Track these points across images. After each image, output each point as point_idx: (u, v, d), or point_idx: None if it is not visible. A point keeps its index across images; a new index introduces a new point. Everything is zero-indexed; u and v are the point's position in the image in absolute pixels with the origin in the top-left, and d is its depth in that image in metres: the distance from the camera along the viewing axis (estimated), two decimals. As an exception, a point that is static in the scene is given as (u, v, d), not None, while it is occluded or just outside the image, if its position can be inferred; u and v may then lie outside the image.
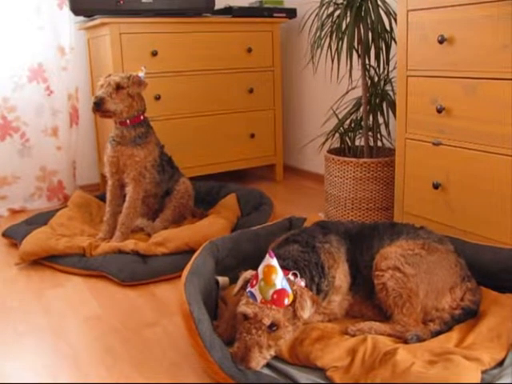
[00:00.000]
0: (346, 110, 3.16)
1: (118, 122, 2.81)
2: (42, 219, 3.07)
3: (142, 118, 2.86)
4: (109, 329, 2.04)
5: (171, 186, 3.04)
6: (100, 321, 2.11)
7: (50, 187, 3.73)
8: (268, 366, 1.66)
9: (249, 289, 1.69)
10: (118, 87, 2.72)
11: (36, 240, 2.67)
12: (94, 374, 1.74)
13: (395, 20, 2.76)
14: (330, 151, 3.15)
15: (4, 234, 2.99)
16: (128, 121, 2.80)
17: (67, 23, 3.61)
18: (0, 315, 2.17)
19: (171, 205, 3.01)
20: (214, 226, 2.76)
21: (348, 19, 2.83)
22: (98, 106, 2.68)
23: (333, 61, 2.94)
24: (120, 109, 2.74)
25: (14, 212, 3.57)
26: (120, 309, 2.20)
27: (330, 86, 3.73)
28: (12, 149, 3.58)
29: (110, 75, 2.79)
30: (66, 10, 3.54)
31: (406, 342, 1.73)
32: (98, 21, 3.36)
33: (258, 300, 1.65)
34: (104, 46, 3.49)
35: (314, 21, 2.97)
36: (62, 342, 1.95)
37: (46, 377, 1.74)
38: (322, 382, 1.59)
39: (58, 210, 3.13)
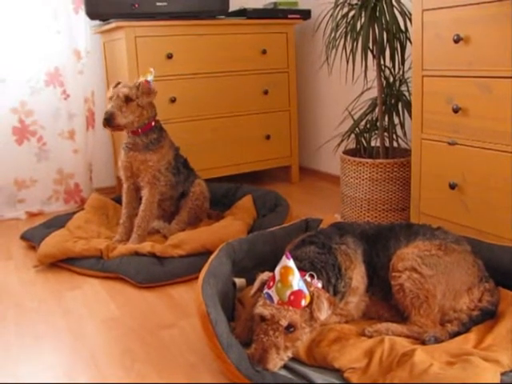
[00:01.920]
0: (362, 111, 3.15)
1: (130, 131, 2.83)
2: (59, 222, 3.09)
3: (153, 124, 2.86)
4: (126, 330, 2.05)
5: (186, 188, 3.04)
6: (118, 322, 2.12)
7: (67, 190, 3.76)
8: (285, 367, 1.66)
9: (266, 290, 1.69)
10: (128, 99, 2.72)
11: (54, 243, 2.69)
12: (112, 375, 1.75)
13: (410, 20, 2.75)
14: (346, 152, 3.14)
15: (22, 237, 3.02)
16: (139, 129, 2.82)
17: (83, 27, 3.64)
18: (19, 317, 2.20)
19: (187, 206, 3.02)
20: (231, 227, 2.76)
21: (363, 20, 2.83)
22: (109, 122, 2.68)
23: (348, 61, 2.94)
24: (131, 121, 2.75)
25: (31, 215, 3.61)
26: (137, 310, 2.21)
27: (345, 87, 3.73)
28: (29, 152, 3.62)
29: (118, 84, 2.78)
30: (82, 14, 3.57)
31: (423, 343, 1.72)
32: (113, 24, 3.38)
33: (275, 301, 1.65)
34: (119, 50, 3.51)
35: (328, 22, 2.97)
36: (80, 344, 1.96)
37: (65, 377, 1.75)
38: (339, 383, 1.59)
39: (75, 213, 3.15)
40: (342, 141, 3.15)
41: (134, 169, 2.84)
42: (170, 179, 2.93)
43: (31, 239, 2.95)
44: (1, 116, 3.50)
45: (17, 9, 3.42)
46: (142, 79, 2.79)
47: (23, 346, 1.97)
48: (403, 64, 2.96)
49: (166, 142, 2.92)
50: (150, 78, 2.80)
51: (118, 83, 2.80)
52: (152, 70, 2.84)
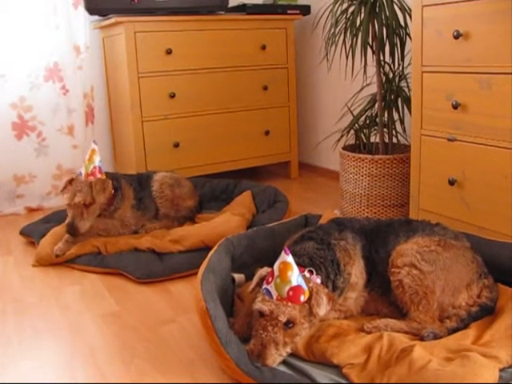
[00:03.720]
0: (361, 107, 3.15)
1: None
2: (58, 217, 3.08)
3: (113, 194, 2.82)
4: (125, 326, 2.05)
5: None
6: (117, 318, 2.12)
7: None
8: (284, 362, 1.66)
9: (265, 286, 1.69)
10: (86, 205, 2.67)
11: (52, 244, 2.68)
12: (111, 371, 1.75)
13: (410, 15, 2.74)
14: (345, 148, 3.14)
15: (21, 233, 3.01)
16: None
17: (82, 22, 3.63)
18: (18, 312, 2.20)
19: (159, 204, 3.01)
20: (230, 223, 2.76)
21: (362, 15, 2.82)
22: (74, 233, 2.66)
23: (347, 57, 2.93)
24: (94, 218, 2.73)
25: (30, 210, 3.60)
26: (136, 306, 2.21)
27: (344, 83, 3.72)
28: (29, 148, 3.61)
29: (72, 180, 2.70)
30: (81, 9, 3.56)
31: (422, 339, 1.72)
32: (112, 20, 3.38)
33: (274, 297, 1.65)
34: (119, 45, 3.50)
35: (328, 17, 2.97)
36: (79, 339, 1.97)
37: (64, 374, 1.76)
38: (338, 378, 1.59)
39: (74, 209, 3.15)
40: (342, 136, 3.15)
41: None
42: (136, 214, 2.91)
43: (30, 235, 2.94)
44: (0, 111, 3.50)
45: (16, 4, 3.41)
46: (92, 165, 2.71)
47: (23, 341, 1.97)
48: (403, 60, 2.96)
49: (125, 192, 2.89)
50: (97, 161, 2.73)
51: (72, 179, 2.71)
52: (95, 146, 2.75)
